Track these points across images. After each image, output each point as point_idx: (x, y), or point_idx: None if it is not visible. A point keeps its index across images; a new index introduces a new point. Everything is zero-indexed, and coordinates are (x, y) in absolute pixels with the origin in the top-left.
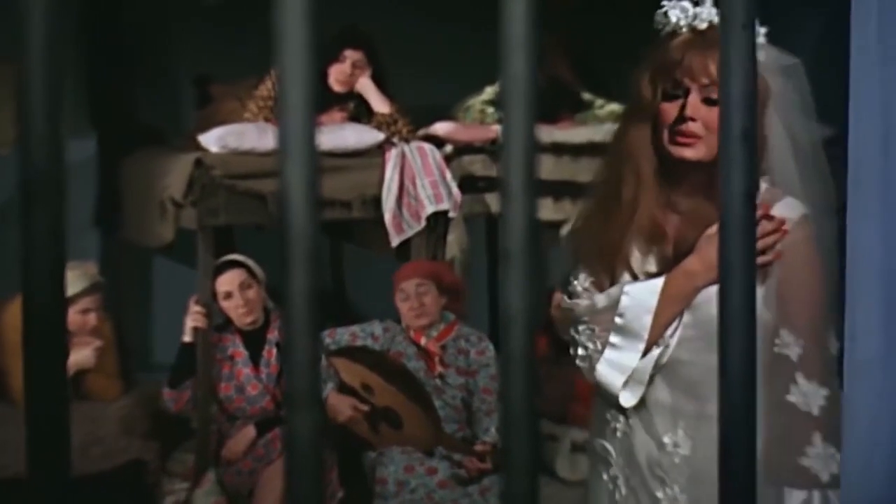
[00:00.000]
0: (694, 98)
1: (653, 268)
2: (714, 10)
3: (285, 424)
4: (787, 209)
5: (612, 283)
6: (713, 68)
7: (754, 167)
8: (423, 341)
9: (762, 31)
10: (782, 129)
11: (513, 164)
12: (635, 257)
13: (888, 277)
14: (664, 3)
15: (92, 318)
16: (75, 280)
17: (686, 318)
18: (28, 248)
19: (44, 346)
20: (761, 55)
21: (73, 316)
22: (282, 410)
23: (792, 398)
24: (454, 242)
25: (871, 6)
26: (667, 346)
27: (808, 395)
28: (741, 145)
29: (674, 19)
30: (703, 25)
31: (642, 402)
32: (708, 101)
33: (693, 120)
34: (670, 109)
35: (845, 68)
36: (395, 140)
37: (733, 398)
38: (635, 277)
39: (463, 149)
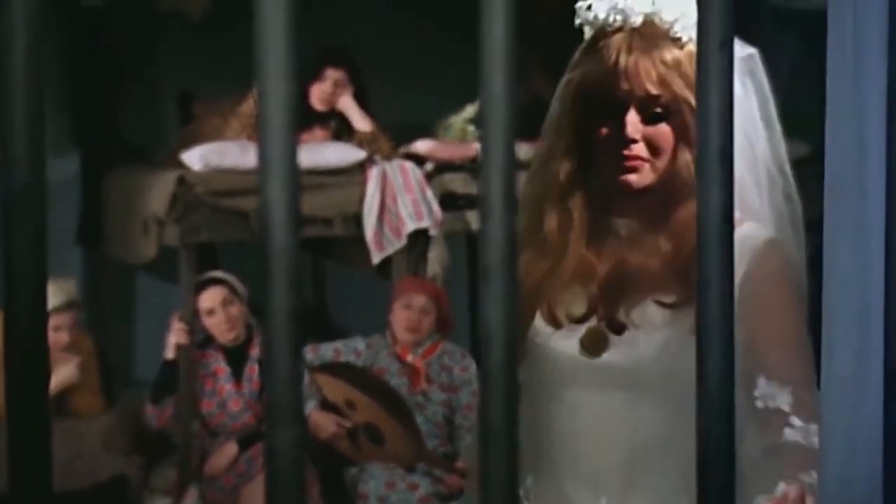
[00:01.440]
0: (633, 115)
1: (580, 309)
2: None
3: (266, 440)
4: (748, 234)
5: (525, 332)
6: (655, 73)
7: (732, 185)
8: (409, 358)
9: None
10: (740, 138)
11: (492, 182)
12: (561, 303)
13: (864, 292)
14: None
15: (63, 336)
16: (49, 296)
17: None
18: (9, 264)
19: (25, 361)
20: None
21: None
22: (263, 426)
23: (790, 437)
24: (435, 260)
25: (847, 26)
26: None
27: (806, 431)
28: (719, 163)
29: (602, 15)
30: (638, 20)
31: (554, 476)
32: (651, 117)
33: (635, 141)
34: (605, 128)
35: (823, 86)
36: (376, 158)
37: (712, 423)
38: (558, 326)
39: (444, 166)
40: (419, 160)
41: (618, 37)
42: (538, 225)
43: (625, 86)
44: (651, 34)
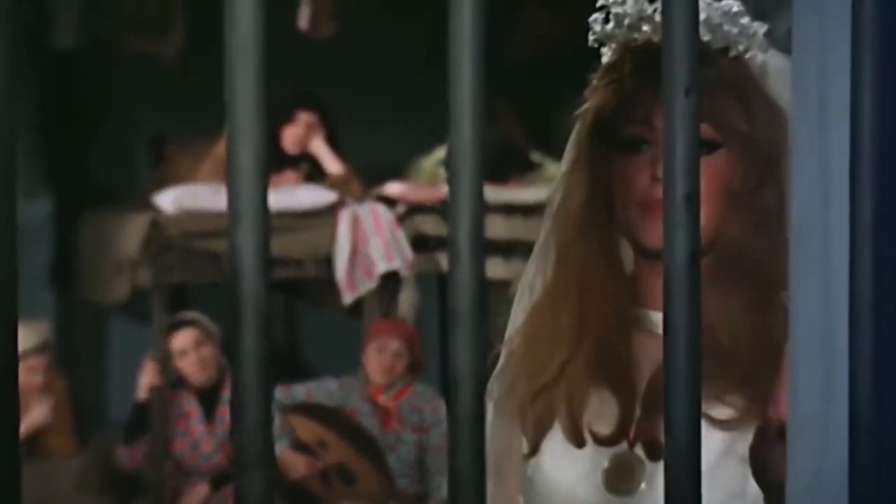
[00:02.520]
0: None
1: (607, 426)
2: None
3: (236, 485)
4: None
5: (535, 449)
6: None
7: (698, 230)
8: (381, 399)
9: (762, 30)
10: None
11: (461, 226)
12: (587, 412)
13: (829, 335)
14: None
15: (37, 378)
16: (21, 338)
17: None
18: None
19: None
20: (771, 65)
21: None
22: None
23: None
24: (406, 301)
25: (811, 70)
26: None
27: None
28: (685, 210)
29: (622, 28)
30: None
31: None
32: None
33: None
34: (633, 167)
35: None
36: (347, 200)
37: (679, 467)
38: (580, 444)
39: (415, 208)
40: (390, 202)
41: (642, 52)
42: (551, 306)
43: (652, 114)
44: None
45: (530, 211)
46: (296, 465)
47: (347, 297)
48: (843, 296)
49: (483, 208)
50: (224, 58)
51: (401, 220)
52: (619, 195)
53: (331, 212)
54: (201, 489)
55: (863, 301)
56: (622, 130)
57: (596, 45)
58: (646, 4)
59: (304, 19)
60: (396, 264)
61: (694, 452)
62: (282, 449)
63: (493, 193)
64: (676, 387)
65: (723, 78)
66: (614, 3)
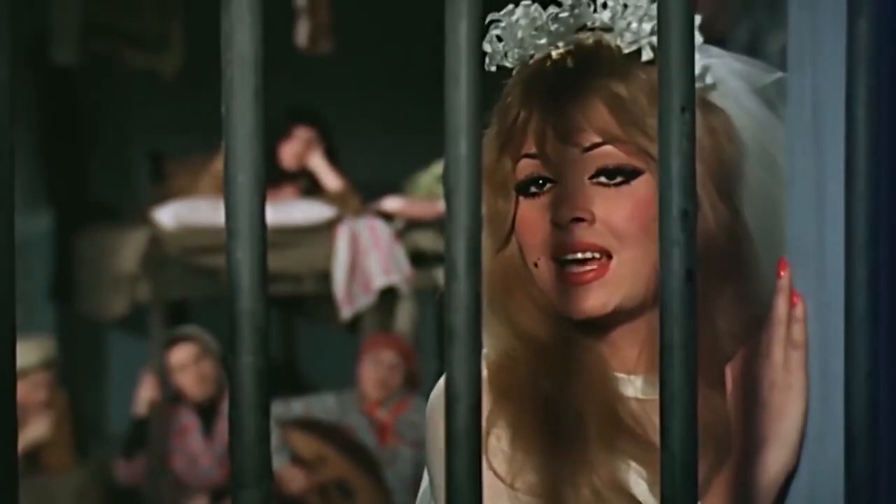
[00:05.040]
0: (572, 176)
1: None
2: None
3: (233, 500)
4: None
5: None
6: (600, 115)
7: (694, 247)
8: (378, 414)
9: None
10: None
11: (457, 242)
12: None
13: (825, 351)
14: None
15: (41, 394)
16: (26, 354)
17: None
18: None
19: None
20: (717, 75)
21: (22, 390)
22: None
23: None
24: (404, 316)
25: (805, 87)
26: None
27: None
28: (681, 227)
29: (519, 35)
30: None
31: None
32: (605, 175)
33: (581, 220)
34: (534, 212)
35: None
36: (346, 216)
37: (674, 482)
38: None
39: (413, 224)
40: (388, 217)
41: (533, 73)
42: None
43: (546, 144)
44: (591, 59)
45: None
46: (294, 479)
47: (346, 312)
48: (838, 317)
49: (480, 224)
50: (222, 74)
51: (399, 235)
52: (526, 250)
53: (329, 227)
54: None
55: (858, 318)
56: (517, 171)
57: (494, 70)
58: (538, 13)
59: (302, 35)
60: (394, 279)
61: (690, 468)
62: (280, 464)
63: None
64: (673, 404)
65: (643, 90)
66: (505, 14)
